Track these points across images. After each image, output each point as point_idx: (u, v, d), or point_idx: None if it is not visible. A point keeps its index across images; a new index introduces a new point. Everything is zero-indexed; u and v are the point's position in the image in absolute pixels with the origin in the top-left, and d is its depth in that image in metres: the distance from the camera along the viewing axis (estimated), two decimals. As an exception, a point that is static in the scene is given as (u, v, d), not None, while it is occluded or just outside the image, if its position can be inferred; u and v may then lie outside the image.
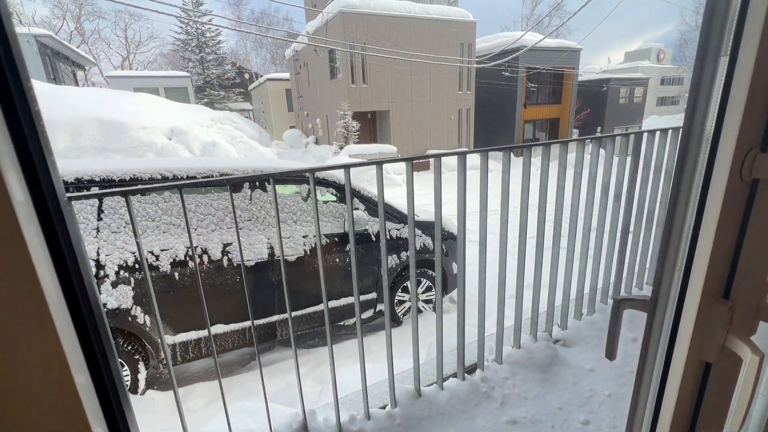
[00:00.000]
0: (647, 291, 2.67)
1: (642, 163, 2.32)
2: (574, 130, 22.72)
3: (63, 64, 16.08)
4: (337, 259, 3.19)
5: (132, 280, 2.47)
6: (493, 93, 19.53)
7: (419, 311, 3.72)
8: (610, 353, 0.76)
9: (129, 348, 2.56)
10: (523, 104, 19.75)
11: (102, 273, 2.39)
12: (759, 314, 0.65)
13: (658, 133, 2.34)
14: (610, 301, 2.48)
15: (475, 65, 16.93)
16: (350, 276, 3.28)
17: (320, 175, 3.06)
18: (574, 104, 21.60)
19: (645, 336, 0.67)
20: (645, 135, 2.30)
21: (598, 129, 23.90)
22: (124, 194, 1.17)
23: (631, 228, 2.40)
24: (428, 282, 3.71)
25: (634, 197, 2.34)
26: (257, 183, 2.89)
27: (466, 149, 1.80)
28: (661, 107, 37.41)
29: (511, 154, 1.78)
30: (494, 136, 20.56)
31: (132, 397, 2.60)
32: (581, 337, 2.21)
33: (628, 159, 2.28)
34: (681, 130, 0.58)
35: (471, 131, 18.27)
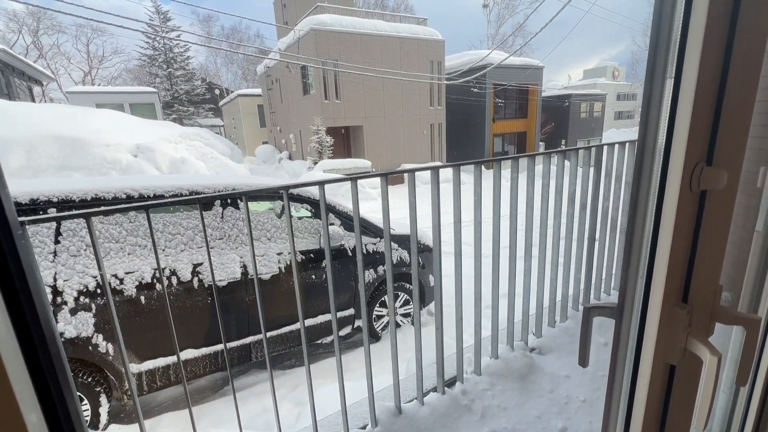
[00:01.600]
0: (614, 296, 2.78)
1: (603, 173, 2.45)
2: (541, 143, 23.74)
3: (18, 80, 15.27)
4: (313, 276, 3.14)
5: (93, 306, 2.33)
6: (463, 108, 20.17)
7: (398, 325, 3.70)
8: (583, 360, 0.78)
9: (89, 380, 2.39)
10: (491, 119, 20.49)
11: (60, 300, 2.24)
12: (714, 316, 0.69)
13: (616, 145, 2.48)
14: (581, 308, 2.57)
15: (445, 82, 17.47)
16: (326, 293, 3.23)
17: (294, 190, 3.03)
18: (540, 118, 22.63)
19: (614, 342, 0.70)
20: (605, 148, 2.44)
21: (563, 141, 25.10)
22: (85, 216, 1.11)
23: (597, 236, 2.51)
24: (406, 295, 3.70)
25: (598, 206, 2.46)
26: (229, 200, 2.83)
27: (440, 163, 1.84)
28: (619, 121, 39.86)
29: (482, 166, 1.83)
30: (466, 150, 21.14)
31: (93, 434, 2.41)
32: (556, 345, 2.26)
33: (591, 170, 2.40)
34: (636, 145, 0.62)
35: (443, 145, 18.70)
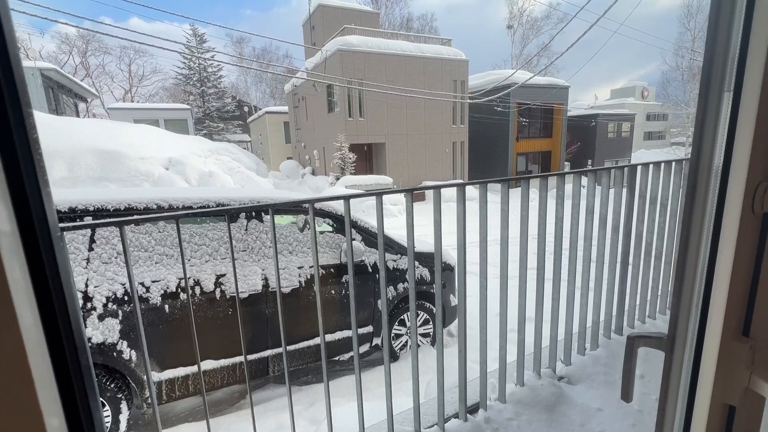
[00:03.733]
0: (650, 324, 2.61)
1: (637, 194, 2.34)
2: (566, 163, 23.26)
3: (66, 96, 16.41)
4: (333, 291, 3.11)
5: (120, 312, 2.38)
6: (487, 127, 20.11)
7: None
8: (626, 395, 0.72)
9: (112, 386, 2.42)
10: (515, 138, 20.30)
11: (89, 305, 2.31)
12: (780, 353, 0.62)
13: (651, 166, 2.38)
14: (614, 336, 2.42)
15: (468, 101, 17.53)
16: (345, 308, 3.20)
17: (317, 205, 3.05)
18: (565, 138, 22.25)
19: (664, 377, 0.63)
20: (639, 168, 2.34)
21: (589, 161, 24.50)
22: (119, 225, 1.14)
23: (631, 260, 2.39)
24: (426, 314, 3.62)
25: (632, 229, 2.35)
26: (254, 213, 2.87)
27: (464, 181, 1.81)
28: (649, 141, 38.68)
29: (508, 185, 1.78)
30: (488, 168, 20.95)
31: (111, 441, 2.43)
32: (586, 374, 2.13)
33: (624, 191, 2.30)
34: (689, 164, 0.58)
35: (465, 163, 18.62)
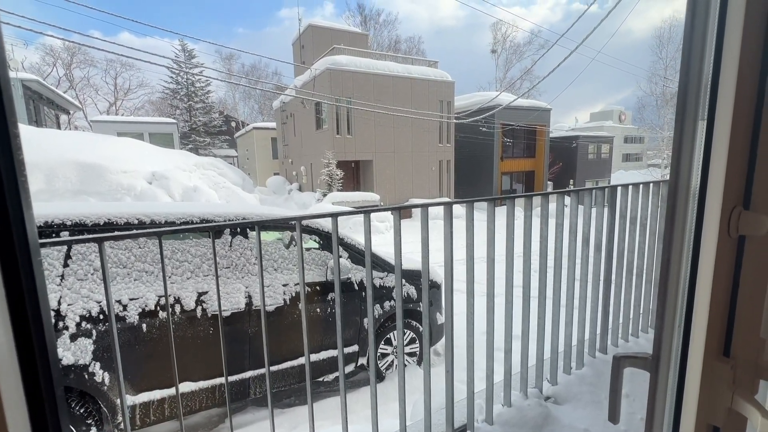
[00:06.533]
0: (633, 342, 2.64)
1: (618, 214, 2.41)
2: (549, 183, 23.85)
3: (47, 108, 16.07)
4: (318, 309, 3.06)
5: (94, 332, 2.28)
6: (472, 146, 20.55)
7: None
8: (613, 416, 0.72)
9: (81, 411, 2.29)
10: (500, 157, 20.78)
11: (61, 324, 2.20)
12: (759, 373, 0.64)
13: (630, 187, 2.46)
14: (599, 354, 2.44)
15: (454, 120, 17.93)
16: (331, 327, 3.14)
17: (304, 222, 3.03)
18: (548, 158, 22.90)
19: (650, 398, 0.64)
20: (619, 188, 2.42)
21: (571, 182, 25.19)
22: (98, 241, 1.10)
23: (613, 278, 2.43)
24: (412, 333, 3.58)
25: (613, 248, 2.40)
26: (238, 229, 2.83)
27: (451, 199, 1.83)
28: (627, 163, 40.18)
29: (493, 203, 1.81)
30: (474, 186, 21.30)
31: (78, 471, 2.28)
32: (572, 394, 2.13)
33: (605, 210, 2.36)
34: (668, 189, 0.60)
35: (451, 181, 18.89)
